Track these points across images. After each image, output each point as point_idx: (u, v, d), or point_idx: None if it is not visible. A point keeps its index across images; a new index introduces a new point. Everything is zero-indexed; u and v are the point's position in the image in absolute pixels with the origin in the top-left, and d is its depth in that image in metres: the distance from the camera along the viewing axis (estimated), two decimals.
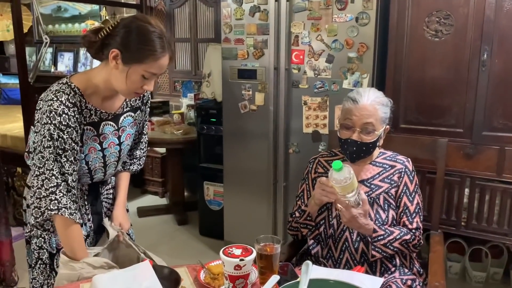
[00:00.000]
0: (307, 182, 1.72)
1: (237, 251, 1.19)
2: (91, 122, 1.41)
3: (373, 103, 1.54)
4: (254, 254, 1.19)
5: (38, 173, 1.33)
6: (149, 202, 4.13)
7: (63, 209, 1.33)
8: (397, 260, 1.57)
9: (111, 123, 1.47)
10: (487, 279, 2.68)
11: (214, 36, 3.86)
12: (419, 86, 2.35)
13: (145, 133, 1.70)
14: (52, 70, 4.97)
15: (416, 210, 1.58)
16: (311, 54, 2.52)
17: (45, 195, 1.33)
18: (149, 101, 1.63)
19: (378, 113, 1.54)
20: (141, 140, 1.70)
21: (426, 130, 2.35)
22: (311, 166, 1.74)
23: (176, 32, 4.10)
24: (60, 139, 1.32)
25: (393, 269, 1.55)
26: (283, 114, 2.65)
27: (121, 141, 1.52)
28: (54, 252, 1.48)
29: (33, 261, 1.50)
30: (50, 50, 4.95)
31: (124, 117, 1.51)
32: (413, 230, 1.54)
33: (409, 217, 1.56)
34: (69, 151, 1.34)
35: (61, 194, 1.34)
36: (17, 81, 2.94)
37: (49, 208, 1.32)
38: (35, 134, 1.35)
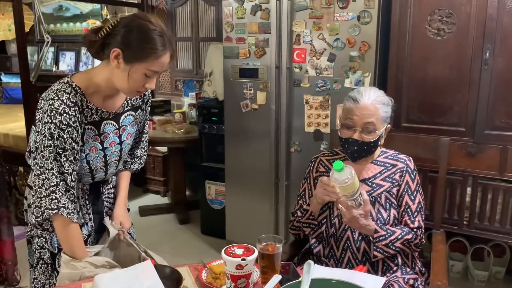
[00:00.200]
0: (308, 181, 1.72)
1: (239, 251, 1.19)
2: (92, 121, 1.41)
3: (374, 103, 1.54)
4: (255, 254, 1.19)
5: (39, 173, 1.33)
6: (151, 201, 4.13)
7: (62, 208, 1.34)
8: (399, 260, 1.56)
9: (112, 122, 1.47)
10: (489, 278, 2.68)
11: (215, 35, 3.85)
12: (421, 85, 2.35)
13: (145, 132, 1.70)
14: (54, 69, 4.97)
15: (418, 209, 1.57)
16: (313, 53, 2.52)
17: (46, 194, 1.33)
18: (149, 100, 1.63)
19: (379, 112, 1.54)
20: (142, 139, 1.70)
21: (428, 129, 2.34)
22: (312, 165, 1.73)
23: (177, 31, 4.10)
24: (60, 138, 1.32)
25: (395, 268, 1.55)
26: (284, 113, 2.65)
27: (122, 140, 1.52)
28: (56, 252, 1.48)
29: (34, 261, 1.50)
30: (51, 49, 4.95)
31: (125, 116, 1.51)
32: (415, 229, 1.54)
33: (411, 216, 1.56)
34: (69, 150, 1.34)
35: (60, 194, 1.34)
36: (19, 80, 2.95)
37: (49, 207, 1.33)
38: (36, 133, 1.35)
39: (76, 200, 1.41)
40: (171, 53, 1.34)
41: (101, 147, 1.46)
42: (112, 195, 1.67)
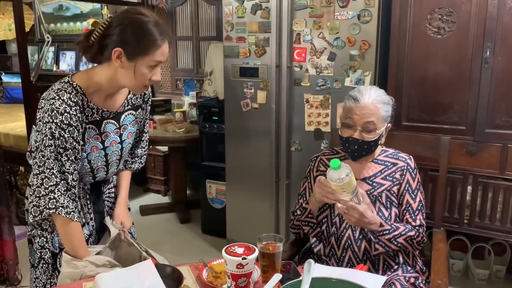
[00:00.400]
0: (309, 180, 1.72)
1: (240, 250, 1.19)
2: (93, 120, 1.41)
3: (374, 102, 1.54)
4: (256, 253, 1.19)
5: (38, 172, 1.34)
6: (151, 201, 4.13)
7: (60, 208, 1.34)
8: (400, 258, 1.56)
9: (113, 121, 1.47)
10: (490, 277, 2.68)
11: (215, 34, 3.85)
12: (422, 84, 2.35)
13: (146, 131, 1.70)
14: (54, 69, 4.97)
15: (419, 208, 1.57)
16: (313, 52, 2.52)
17: (44, 194, 1.33)
18: (150, 99, 1.63)
19: (380, 111, 1.54)
20: (142, 139, 1.70)
21: (429, 127, 2.34)
22: (313, 164, 1.73)
23: (177, 30, 4.10)
24: (61, 138, 1.32)
25: (396, 267, 1.55)
26: (285, 112, 2.65)
27: (123, 139, 1.52)
28: (57, 251, 1.48)
29: (35, 261, 1.50)
30: (52, 49, 4.95)
31: (126, 115, 1.51)
32: (417, 227, 1.54)
33: (412, 215, 1.56)
34: (70, 150, 1.34)
35: (60, 193, 1.34)
36: (20, 80, 2.95)
37: (47, 207, 1.33)
38: (37, 133, 1.35)
39: (77, 199, 1.41)
40: (169, 41, 1.35)
41: (102, 147, 1.46)
42: (113, 195, 1.67)
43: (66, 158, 1.34)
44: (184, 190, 3.90)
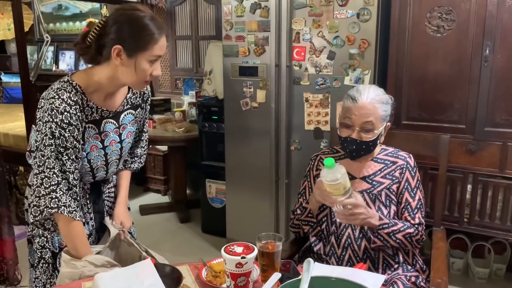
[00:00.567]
0: (308, 179, 1.72)
1: (239, 249, 1.19)
2: (92, 120, 1.41)
3: (373, 102, 1.53)
4: (255, 252, 1.19)
5: (38, 171, 1.33)
6: (151, 200, 4.13)
7: (62, 207, 1.33)
8: (400, 257, 1.56)
9: (112, 120, 1.47)
10: (490, 275, 2.68)
11: (215, 33, 3.85)
12: (421, 82, 2.35)
13: (145, 131, 1.70)
14: (54, 68, 4.97)
15: (418, 206, 1.57)
16: (312, 51, 2.51)
17: (44, 193, 1.33)
18: (149, 99, 1.63)
19: (378, 111, 1.53)
20: (142, 138, 1.70)
21: (429, 126, 2.34)
22: (312, 163, 1.73)
23: (177, 29, 4.10)
24: (61, 137, 1.32)
25: (396, 266, 1.55)
26: (284, 111, 2.64)
27: (122, 138, 1.52)
28: (57, 251, 1.48)
29: (35, 261, 1.50)
30: (51, 48, 4.95)
31: (125, 115, 1.51)
32: (415, 226, 1.54)
33: (411, 213, 1.56)
34: (70, 149, 1.34)
35: (61, 192, 1.34)
36: (19, 80, 2.94)
37: (48, 206, 1.32)
38: (37, 132, 1.35)
39: (78, 198, 1.41)
40: (166, 35, 1.35)
41: (101, 146, 1.46)
42: (112, 194, 1.67)
43: (67, 157, 1.34)
44: (184, 190, 3.90)
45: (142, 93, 1.57)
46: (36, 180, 1.33)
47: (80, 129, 1.37)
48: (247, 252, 1.17)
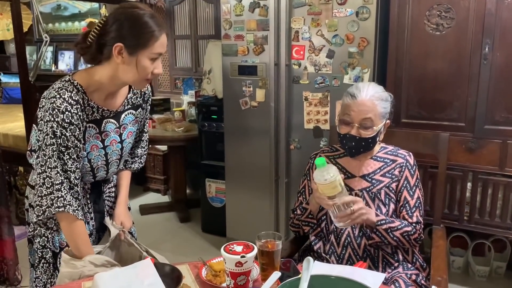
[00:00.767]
0: (308, 178, 1.72)
1: (238, 248, 1.19)
2: (93, 119, 1.41)
3: (372, 98, 1.53)
4: (255, 251, 1.19)
5: (40, 171, 1.33)
6: (151, 200, 4.13)
7: (68, 206, 1.34)
8: (400, 256, 1.56)
9: (113, 120, 1.47)
10: (490, 273, 2.68)
11: (214, 32, 3.85)
12: (421, 81, 2.34)
13: (146, 131, 1.70)
14: (53, 68, 4.96)
15: (416, 205, 1.57)
16: (312, 50, 2.51)
17: (46, 193, 1.33)
18: (150, 99, 1.63)
19: (377, 108, 1.53)
20: (142, 138, 1.70)
21: (428, 124, 2.34)
22: (312, 162, 1.73)
23: (176, 29, 4.09)
24: (63, 136, 1.32)
25: (396, 264, 1.55)
26: (284, 110, 2.64)
27: (123, 138, 1.52)
28: (58, 251, 1.48)
29: (36, 260, 1.50)
30: (50, 48, 4.94)
31: (126, 115, 1.51)
32: (413, 224, 1.54)
33: (409, 211, 1.55)
34: (72, 148, 1.34)
35: (65, 191, 1.34)
36: (18, 80, 2.94)
37: (54, 205, 1.32)
38: (39, 132, 1.35)
39: (80, 197, 1.41)
40: (166, 32, 1.35)
41: (102, 146, 1.46)
42: (113, 194, 1.67)
43: (68, 157, 1.34)
44: (184, 189, 3.90)
45: (142, 93, 1.57)
46: (39, 180, 1.33)
47: (81, 129, 1.37)
48: (246, 251, 1.17)
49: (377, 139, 1.58)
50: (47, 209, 1.33)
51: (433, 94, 2.32)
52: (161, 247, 3.07)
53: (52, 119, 1.30)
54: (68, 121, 1.32)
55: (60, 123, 1.31)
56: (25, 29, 4.51)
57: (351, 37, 2.38)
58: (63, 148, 1.33)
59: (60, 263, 1.45)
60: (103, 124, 1.44)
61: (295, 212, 1.68)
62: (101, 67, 1.37)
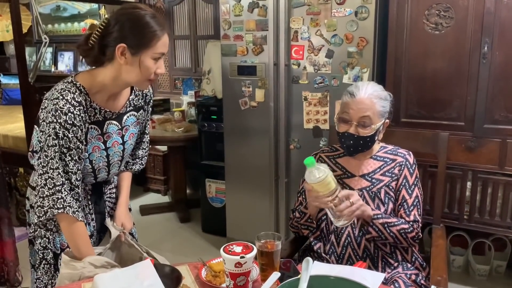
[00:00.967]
0: None
1: (238, 249, 1.19)
2: (95, 121, 1.41)
3: (370, 97, 1.53)
4: (254, 252, 1.19)
5: (41, 172, 1.33)
6: (151, 200, 4.13)
7: (68, 207, 1.34)
8: (399, 256, 1.56)
9: (115, 122, 1.47)
10: (490, 272, 2.68)
11: (213, 32, 3.85)
12: (420, 80, 2.34)
13: (147, 132, 1.70)
14: (53, 69, 4.97)
15: (415, 203, 1.56)
16: (311, 50, 2.51)
17: (48, 194, 1.33)
18: (151, 101, 1.63)
19: (376, 107, 1.53)
20: (143, 140, 1.70)
21: (428, 123, 2.34)
22: None
23: (175, 29, 4.09)
24: (65, 137, 1.32)
25: (395, 264, 1.55)
26: (283, 110, 2.64)
27: (125, 140, 1.52)
28: (59, 252, 1.48)
29: (36, 261, 1.50)
30: (50, 49, 4.94)
31: (128, 116, 1.51)
32: (411, 222, 1.53)
33: (406, 210, 1.55)
34: (73, 150, 1.34)
35: (66, 193, 1.34)
36: (18, 81, 2.94)
37: (54, 206, 1.32)
38: (41, 133, 1.35)
39: (80, 199, 1.41)
40: (168, 32, 1.36)
41: (104, 147, 1.46)
42: (114, 195, 1.67)
43: (69, 158, 1.34)
44: (184, 190, 3.90)
45: (144, 94, 1.57)
46: (40, 181, 1.33)
47: (84, 130, 1.37)
48: (246, 252, 1.17)
49: (376, 138, 1.58)
50: (49, 210, 1.33)
51: (432, 94, 2.32)
52: (161, 247, 3.08)
53: (55, 120, 1.31)
54: (71, 122, 1.32)
55: (63, 124, 1.31)
56: (25, 30, 4.51)
57: (350, 36, 2.39)
58: (65, 150, 1.33)
59: (61, 264, 1.45)
60: (105, 126, 1.44)
61: (294, 214, 1.68)
62: (103, 68, 1.37)
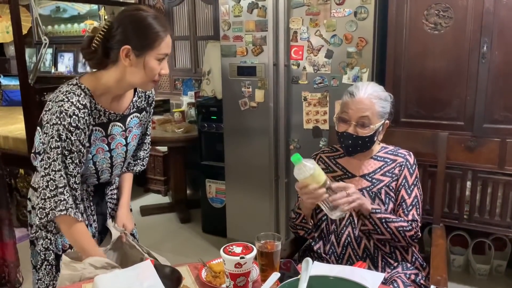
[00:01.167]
0: None
1: (238, 249, 1.19)
2: (100, 123, 1.42)
3: (370, 97, 1.54)
4: (254, 252, 1.19)
5: (43, 174, 1.34)
6: (151, 201, 4.14)
7: (70, 209, 1.34)
8: (398, 256, 1.56)
9: (119, 124, 1.47)
10: (490, 272, 2.68)
11: (213, 33, 3.85)
12: (419, 80, 2.35)
13: (148, 133, 1.70)
14: (53, 71, 4.97)
15: (414, 203, 1.56)
16: (310, 50, 2.51)
17: (50, 196, 1.33)
18: (153, 102, 1.64)
19: (375, 107, 1.53)
20: (145, 141, 1.71)
21: (427, 123, 2.34)
22: None
23: (175, 30, 4.10)
24: (67, 140, 1.32)
25: (395, 264, 1.55)
26: (283, 111, 2.65)
27: (128, 141, 1.53)
28: (60, 253, 1.48)
29: (38, 262, 1.51)
30: (50, 51, 4.95)
31: (131, 118, 1.52)
32: (409, 222, 1.53)
33: (405, 210, 1.55)
34: (75, 153, 1.34)
35: (68, 195, 1.34)
36: (18, 83, 2.94)
37: (56, 208, 1.32)
38: (44, 135, 1.35)
39: (78, 201, 1.41)
40: (170, 33, 1.37)
41: (107, 149, 1.46)
42: (115, 196, 1.68)
43: (70, 161, 1.34)
44: (184, 190, 3.90)
45: (147, 96, 1.57)
46: (42, 183, 1.34)
47: (87, 133, 1.37)
48: (246, 252, 1.17)
49: (375, 138, 1.58)
50: (50, 212, 1.33)
51: (432, 93, 2.33)
52: (161, 248, 3.08)
53: (59, 122, 1.31)
54: (75, 125, 1.32)
55: (67, 126, 1.31)
56: (25, 31, 4.50)
57: (349, 37, 2.39)
58: (66, 152, 1.33)
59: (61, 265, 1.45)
60: (110, 128, 1.45)
61: (291, 215, 1.69)
62: (107, 70, 1.38)
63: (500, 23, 2.11)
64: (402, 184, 1.58)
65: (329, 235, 1.60)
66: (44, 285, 1.51)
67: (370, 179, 1.60)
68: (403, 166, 1.60)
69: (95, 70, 1.42)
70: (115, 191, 1.68)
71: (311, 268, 1.07)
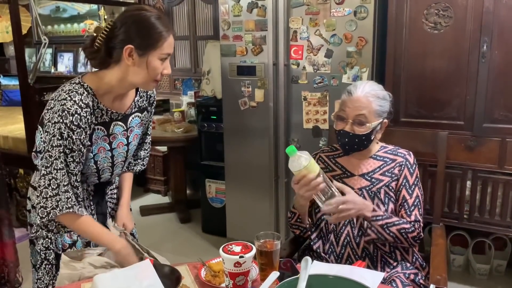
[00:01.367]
0: None
1: (237, 248, 1.19)
2: (102, 122, 1.42)
3: (367, 95, 1.53)
4: (253, 251, 1.19)
5: (45, 173, 1.33)
6: (151, 201, 4.14)
7: (75, 206, 1.35)
8: (398, 255, 1.56)
9: (121, 123, 1.47)
10: (490, 272, 2.68)
11: (213, 33, 3.85)
12: (419, 79, 2.34)
13: (149, 133, 1.71)
14: (52, 70, 4.97)
15: (415, 203, 1.56)
16: (310, 49, 2.51)
17: (52, 195, 1.33)
18: (154, 102, 1.64)
19: (372, 105, 1.53)
20: (145, 141, 1.71)
21: (427, 123, 2.34)
22: None
23: (175, 30, 4.09)
24: (69, 138, 1.32)
25: (394, 263, 1.55)
26: (283, 110, 2.65)
27: (129, 141, 1.53)
28: (60, 252, 1.48)
29: (38, 262, 1.50)
30: (49, 50, 4.95)
31: (133, 118, 1.52)
32: (412, 223, 1.53)
33: (407, 210, 1.55)
34: (76, 152, 1.35)
35: (71, 192, 1.35)
36: (18, 83, 2.94)
37: (58, 207, 1.33)
38: (45, 133, 1.35)
39: (81, 199, 1.41)
40: (173, 33, 1.37)
41: (109, 148, 1.46)
42: (115, 196, 1.68)
43: (71, 160, 1.34)
44: (184, 190, 3.90)
45: (148, 96, 1.57)
46: (43, 182, 1.33)
47: (88, 132, 1.37)
48: (245, 251, 1.17)
49: (372, 137, 1.57)
50: (51, 211, 1.33)
51: (431, 93, 2.32)
52: (161, 247, 3.07)
53: (61, 120, 1.31)
54: (77, 123, 1.32)
55: (68, 125, 1.31)
56: (24, 31, 4.50)
57: (349, 36, 2.39)
58: (67, 150, 1.33)
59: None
60: (112, 127, 1.45)
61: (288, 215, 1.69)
62: (110, 70, 1.38)
63: (500, 23, 2.11)
64: (403, 184, 1.58)
65: (328, 235, 1.60)
66: (44, 284, 1.51)
67: (369, 178, 1.60)
68: (403, 166, 1.60)
69: (97, 69, 1.42)
70: (115, 191, 1.68)
71: (310, 267, 1.06)
